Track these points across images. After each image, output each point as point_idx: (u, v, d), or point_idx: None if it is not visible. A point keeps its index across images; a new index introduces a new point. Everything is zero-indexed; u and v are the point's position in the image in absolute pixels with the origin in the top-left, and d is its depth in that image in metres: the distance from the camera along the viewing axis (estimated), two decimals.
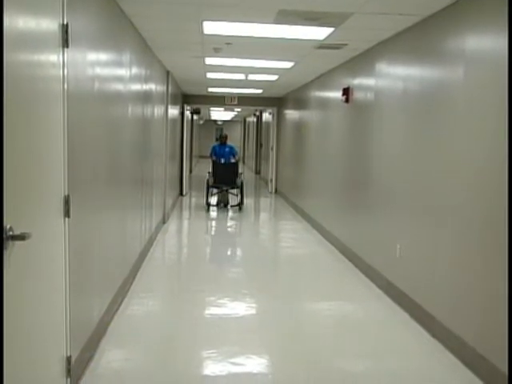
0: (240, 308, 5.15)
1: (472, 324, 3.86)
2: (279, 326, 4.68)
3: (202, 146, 29.19)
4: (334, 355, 4.08)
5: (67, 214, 3.01)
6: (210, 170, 11.56)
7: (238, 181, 11.53)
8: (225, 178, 11.38)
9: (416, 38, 5.06)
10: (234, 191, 11.75)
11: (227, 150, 12.12)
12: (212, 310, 5.08)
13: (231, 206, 11.58)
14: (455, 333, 4.06)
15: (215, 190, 11.87)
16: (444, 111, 4.41)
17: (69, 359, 3.12)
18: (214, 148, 12.26)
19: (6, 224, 2.13)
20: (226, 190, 11.65)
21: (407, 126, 5.23)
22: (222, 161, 11.87)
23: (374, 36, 5.80)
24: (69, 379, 3.12)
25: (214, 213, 11.17)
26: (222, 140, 12.34)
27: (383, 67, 6.03)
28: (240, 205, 11.42)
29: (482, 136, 3.77)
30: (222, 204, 11.80)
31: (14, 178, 2.26)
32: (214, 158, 11.92)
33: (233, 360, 3.92)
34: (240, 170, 11.80)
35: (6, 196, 2.16)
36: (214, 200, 11.92)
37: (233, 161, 12.00)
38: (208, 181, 11.51)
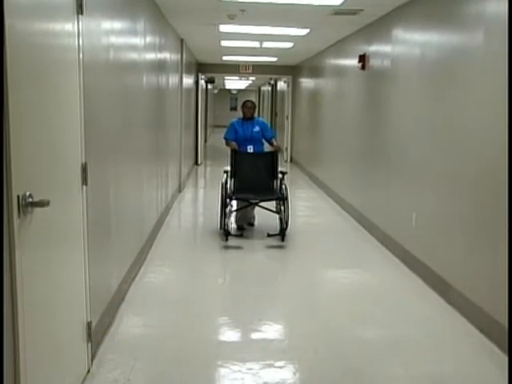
0: (256, 275, 5.19)
1: (488, 290, 3.86)
2: (295, 293, 4.72)
3: (217, 116, 29.13)
4: (350, 322, 4.11)
5: (85, 181, 3.04)
6: (229, 168, 6.61)
7: (278, 186, 6.60)
8: (254, 181, 6.52)
9: (433, 2, 4.96)
10: (271, 205, 6.64)
11: (256, 129, 6.81)
12: (228, 278, 5.13)
13: (268, 235, 6.31)
14: (471, 299, 4.07)
15: (237, 204, 6.88)
16: (463, 78, 4.34)
17: (89, 324, 3.18)
18: (232, 127, 6.84)
19: (26, 191, 2.16)
20: (257, 204, 6.57)
21: (424, 93, 5.17)
22: (250, 149, 6.77)
23: (391, 1, 5.69)
24: (89, 344, 3.18)
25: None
26: (247, 112, 6.85)
27: (400, 33, 5.94)
28: (283, 230, 6.26)
29: (502, 103, 3.71)
30: (245, 224, 6.93)
31: (32, 146, 2.28)
32: (233, 144, 6.68)
33: (249, 326, 3.97)
34: (280, 167, 6.86)
35: (25, 164, 2.18)
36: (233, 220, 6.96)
37: (269, 149, 6.94)
38: (224, 187, 6.54)
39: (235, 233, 6.50)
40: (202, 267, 5.37)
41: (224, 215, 6.43)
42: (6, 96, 1.99)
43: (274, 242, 6.19)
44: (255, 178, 6.53)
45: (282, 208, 6.41)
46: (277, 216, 6.52)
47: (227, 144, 6.83)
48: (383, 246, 6.11)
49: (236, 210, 6.86)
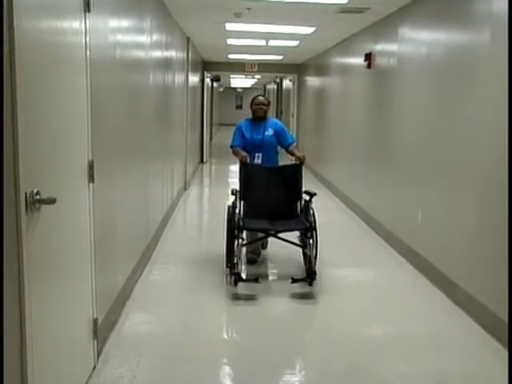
0: (262, 273, 5.19)
1: (494, 290, 3.86)
2: (301, 291, 4.72)
3: (222, 114, 29.15)
4: (355, 320, 4.11)
5: (91, 179, 3.05)
6: (238, 187, 5.12)
7: (300, 210, 5.09)
8: (270, 205, 5.04)
9: (440, 1, 4.95)
10: (293, 236, 5.09)
11: (269, 133, 5.30)
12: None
13: (293, 280, 4.54)
14: (477, 299, 4.06)
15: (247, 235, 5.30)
16: (469, 76, 4.33)
17: (95, 321, 3.19)
18: (239, 131, 5.33)
19: (33, 188, 2.17)
20: (274, 235, 4.89)
21: (431, 91, 5.16)
22: (257, 158, 5.27)
23: None
24: (95, 341, 3.19)
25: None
26: (258, 110, 5.31)
27: (406, 32, 5.93)
28: (312, 274, 4.58)
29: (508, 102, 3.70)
30: (255, 257, 5.45)
31: (40, 144, 2.29)
32: (242, 154, 5.10)
33: (253, 324, 3.98)
34: (304, 185, 5.28)
35: (33, 161, 2.19)
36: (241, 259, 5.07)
37: (291, 162, 5.40)
38: (231, 212, 4.92)
39: (248, 277, 4.81)
40: (207, 267, 5.36)
41: (232, 252, 4.74)
42: (14, 94, 2.00)
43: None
44: (273, 201, 5.01)
45: (310, 241, 4.76)
46: (300, 249, 5.09)
47: (234, 153, 5.27)
48: (389, 245, 6.10)
49: (247, 244, 5.24)
